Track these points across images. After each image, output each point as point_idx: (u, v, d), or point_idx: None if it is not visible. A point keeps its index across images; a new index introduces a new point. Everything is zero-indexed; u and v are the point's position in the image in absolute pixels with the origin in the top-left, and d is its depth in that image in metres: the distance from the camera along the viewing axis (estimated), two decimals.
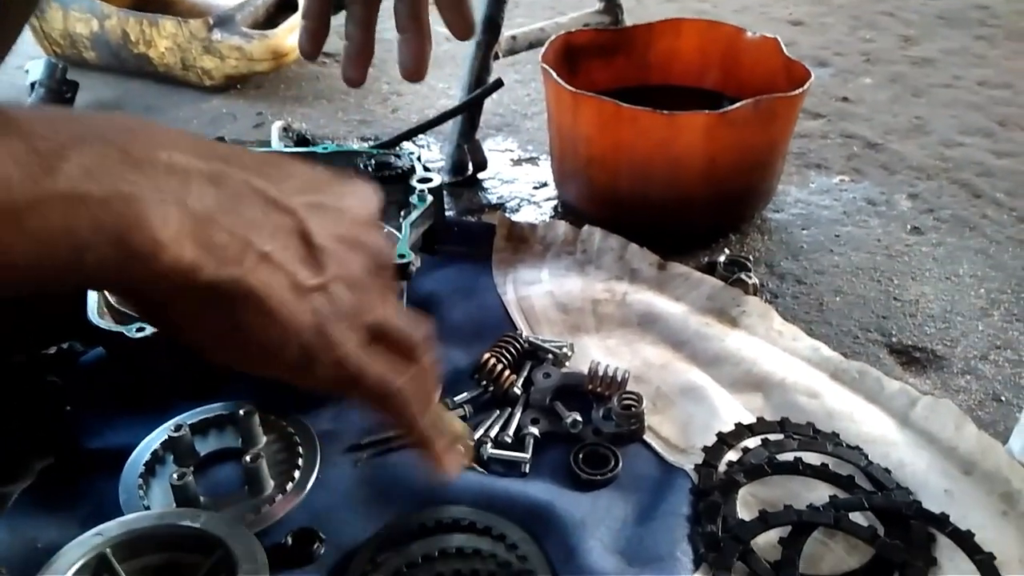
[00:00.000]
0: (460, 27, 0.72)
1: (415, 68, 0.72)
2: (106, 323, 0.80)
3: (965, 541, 0.71)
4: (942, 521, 0.73)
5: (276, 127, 1.41)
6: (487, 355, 0.90)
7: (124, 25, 1.68)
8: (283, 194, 0.45)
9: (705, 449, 0.81)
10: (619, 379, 0.87)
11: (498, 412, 0.86)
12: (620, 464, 0.80)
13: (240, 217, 0.42)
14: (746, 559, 0.71)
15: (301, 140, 1.41)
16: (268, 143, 1.38)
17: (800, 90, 1.12)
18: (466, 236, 1.14)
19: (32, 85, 1.53)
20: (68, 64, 1.60)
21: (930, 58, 1.86)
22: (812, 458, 0.80)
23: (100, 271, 0.37)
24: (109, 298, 0.84)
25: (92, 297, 0.82)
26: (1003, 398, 0.92)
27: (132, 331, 0.77)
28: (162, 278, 0.39)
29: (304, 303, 0.45)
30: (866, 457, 0.80)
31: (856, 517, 0.74)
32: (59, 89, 1.54)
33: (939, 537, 0.72)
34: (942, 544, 0.72)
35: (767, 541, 0.72)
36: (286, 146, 1.36)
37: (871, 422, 0.85)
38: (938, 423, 0.83)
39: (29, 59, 1.61)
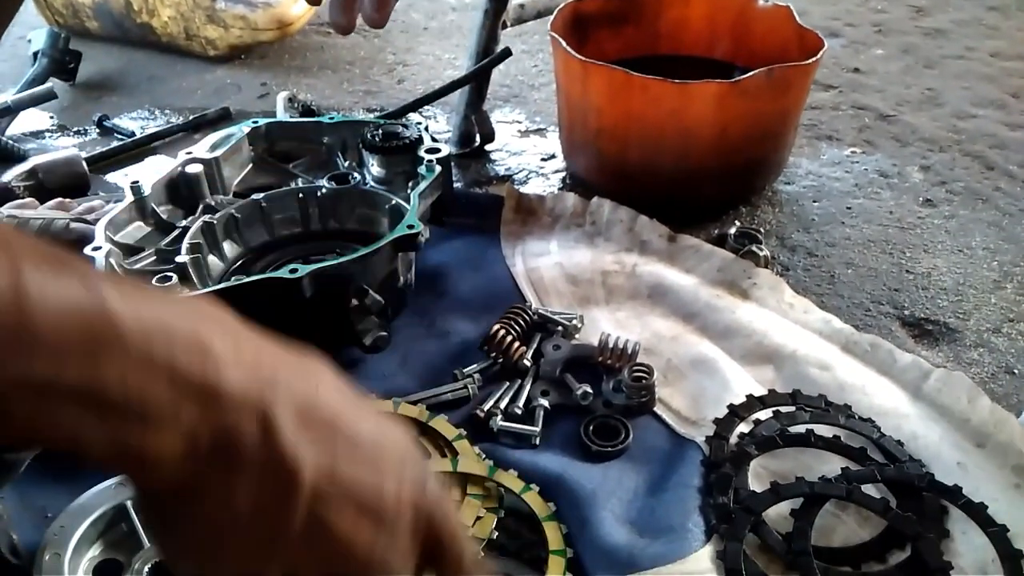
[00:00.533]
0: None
1: None
2: None
3: (978, 513, 0.71)
4: (955, 493, 0.73)
5: (281, 97, 1.39)
6: (496, 327, 0.89)
7: None
8: (300, 453, 0.38)
9: (716, 421, 0.81)
10: (629, 351, 0.87)
11: (508, 384, 0.86)
12: (631, 436, 0.80)
13: (230, 460, 0.37)
14: (758, 531, 0.71)
15: (307, 111, 1.40)
16: (273, 113, 1.37)
17: (814, 59, 1.10)
18: (474, 208, 1.13)
19: (35, 55, 1.52)
20: (70, 34, 1.59)
21: (942, 29, 1.84)
22: (824, 430, 0.79)
23: (90, 457, 0.35)
24: (116, 269, 0.83)
25: (99, 267, 0.81)
26: (1016, 371, 0.91)
27: None
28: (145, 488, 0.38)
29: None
30: (878, 429, 0.80)
31: (868, 489, 0.73)
32: (62, 59, 1.53)
33: (951, 509, 0.72)
34: (954, 516, 0.72)
35: (779, 513, 0.72)
36: (291, 116, 1.34)
37: (883, 394, 0.84)
38: (951, 396, 0.83)
39: (31, 29, 1.60)
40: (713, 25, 1.35)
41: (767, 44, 1.27)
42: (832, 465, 0.76)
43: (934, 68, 1.65)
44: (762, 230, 1.11)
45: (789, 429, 0.80)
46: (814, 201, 1.22)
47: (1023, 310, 1.00)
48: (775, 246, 1.11)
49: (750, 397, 0.83)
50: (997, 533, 0.69)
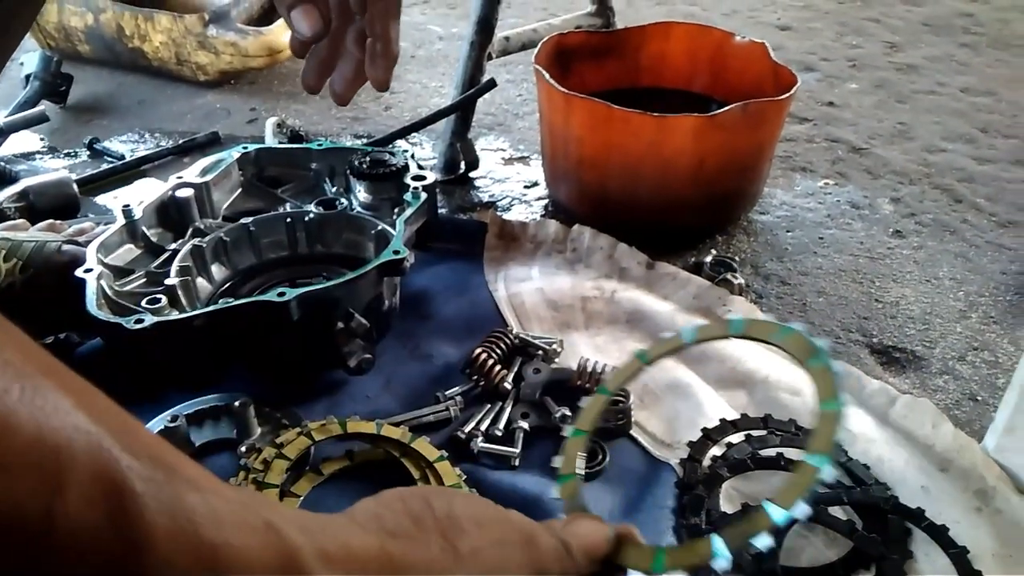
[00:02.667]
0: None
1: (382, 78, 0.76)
2: (104, 314, 0.81)
3: (940, 535, 0.74)
4: (918, 516, 0.75)
5: (270, 123, 1.42)
6: (478, 350, 0.91)
7: (119, 19, 1.69)
8: None
9: (690, 444, 0.83)
10: (607, 375, 0.89)
11: (488, 406, 0.88)
12: (608, 458, 0.82)
13: None
14: None
15: (295, 136, 1.42)
16: (262, 138, 1.39)
17: (787, 95, 1.15)
18: (458, 234, 1.16)
19: (27, 77, 1.54)
20: (62, 57, 1.61)
21: (914, 65, 1.89)
22: (794, 454, 0.82)
23: None
24: (107, 291, 0.85)
25: (91, 289, 0.83)
26: (979, 398, 0.94)
27: (130, 323, 0.78)
28: None
29: None
30: (846, 453, 0.82)
31: (835, 511, 0.76)
32: (53, 82, 1.55)
33: (915, 531, 0.75)
34: (918, 538, 0.74)
35: None
36: (280, 141, 1.37)
37: (851, 419, 0.87)
38: (916, 421, 0.86)
39: (24, 52, 1.62)
40: (692, 60, 1.39)
41: (743, 79, 1.32)
42: None
43: (906, 103, 1.71)
44: (737, 259, 1.15)
45: (760, 452, 0.82)
46: (788, 231, 1.26)
47: (987, 339, 1.04)
48: (749, 274, 1.15)
49: (723, 421, 0.86)
50: (958, 555, 0.72)
